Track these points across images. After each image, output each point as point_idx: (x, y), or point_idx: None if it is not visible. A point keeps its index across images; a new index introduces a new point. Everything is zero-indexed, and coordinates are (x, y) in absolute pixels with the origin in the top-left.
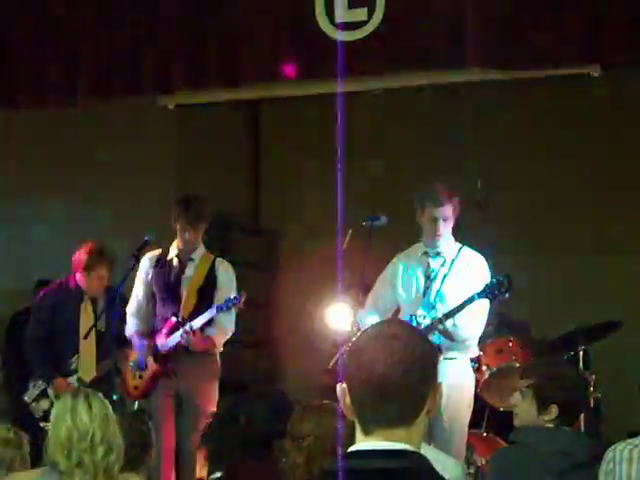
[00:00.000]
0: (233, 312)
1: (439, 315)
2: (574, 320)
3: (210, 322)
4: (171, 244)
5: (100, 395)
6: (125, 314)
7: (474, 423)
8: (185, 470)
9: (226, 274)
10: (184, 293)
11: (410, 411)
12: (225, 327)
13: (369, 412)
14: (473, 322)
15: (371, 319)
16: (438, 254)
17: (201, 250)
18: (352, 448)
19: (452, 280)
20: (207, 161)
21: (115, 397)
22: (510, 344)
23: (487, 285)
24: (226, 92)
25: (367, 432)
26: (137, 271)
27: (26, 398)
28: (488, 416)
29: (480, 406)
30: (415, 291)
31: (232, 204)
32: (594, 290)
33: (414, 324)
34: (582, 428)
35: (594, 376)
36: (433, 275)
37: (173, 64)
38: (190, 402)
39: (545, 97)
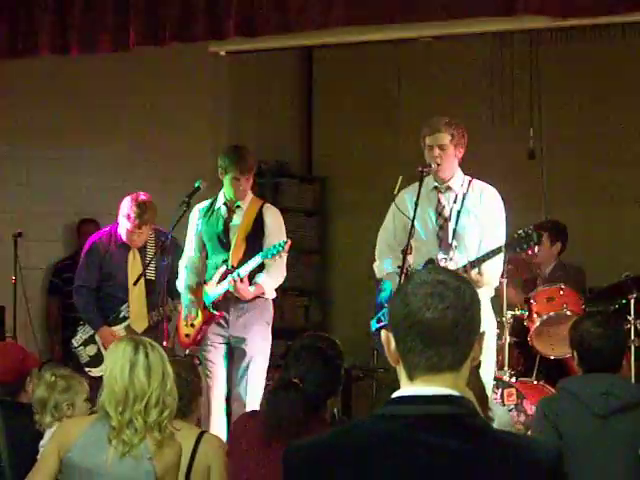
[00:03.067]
0: (284, 258)
1: (461, 261)
2: (627, 268)
3: (260, 269)
4: (220, 192)
5: (160, 350)
6: (176, 261)
7: (524, 371)
8: (236, 417)
9: (274, 220)
10: (233, 241)
11: (458, 357)
12: (275, 273)
13: (417, 358)
14: (496, 268)
15: (389, 266)
16: (449, 188)
17: (249, 197)
18: (397, 394)
19: (466, 217)
20: (258, 109)
21: (165, 344)
22: (561, 292)
23: (515, 238)
24: (277, 39)
25: (413, 377)
26: (187, 218)
27: (74, 342)
28: (539, 364)
29: (531, 354)
30: (430, 229)
31: (283, 152)
32: None
33: None
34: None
35: None
36: (446, 213)
37: (224, 10)
38: (241, 349)
39: (599, 46)
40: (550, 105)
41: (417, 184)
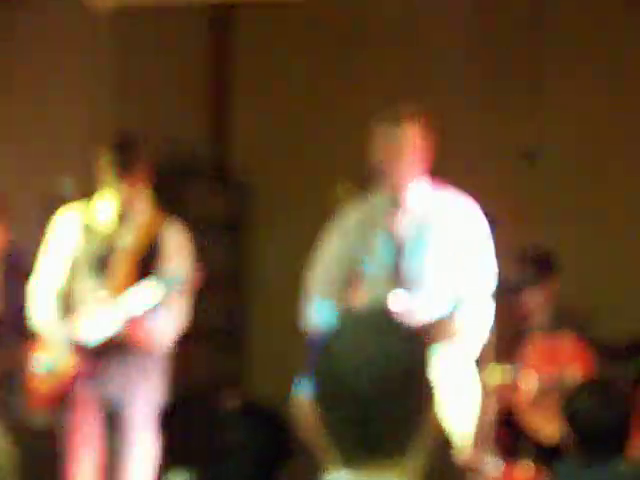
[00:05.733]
0: (187, 293)
1: (426, 307)
2: None
3: (155, 306)
4: (100, 196)
5: None
6: (29, 289)
7: (508, 450)
8: None
9: (177, 240)
10: (118, 265)
11: (400, 439)
12: (173, 313)
13: (345, 439)
14: (478, 317)
15: (327, 311)
16: (411, 202)
17: (142, 207)
18: None
19: (434, 242)
20: (154, 87)
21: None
22: (566, 345)
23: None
24: None
25: (344, 463)
26: (49, 231)
27: None
28: (527, 441)
29: (516, 430)
30: (383, 259)
31: (188, 145)
32: None
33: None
34: None
35: None
36: (406, 236)
37: None
38: (124, 415)
39: None
40: (557, 87)
41: (368, 196)
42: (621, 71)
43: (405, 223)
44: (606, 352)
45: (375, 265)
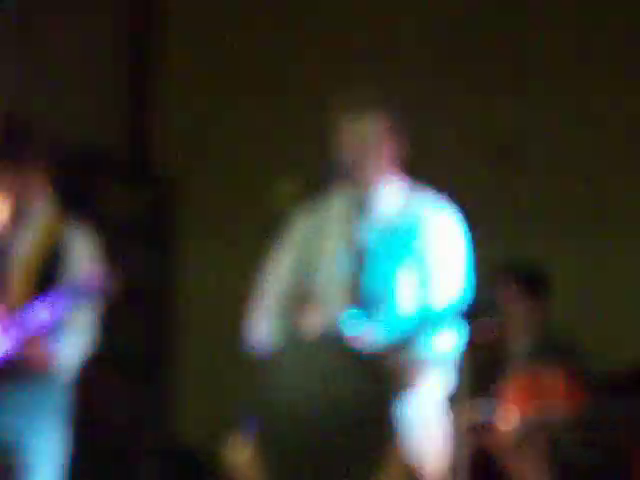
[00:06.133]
0: (95, 309)
1: (386, 332)
2: None
3: (57, 323)
4: None
5: None
6: None
7: None
8: None
9: (83, 246)
10: (13, 275)
11: (357, 477)
12: (77, 333)
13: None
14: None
15: (271, 336)
16: (375, 204)
17: (41, 208)
18: None
19: (400, 253)
20: (53, 58)
21: None
22: (552, 378)
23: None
24: None
25: None
26: None
27: None
28: None
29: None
30: (339, 274)
31: (98, 132)
32: None
33: (348, 340)
34: None
35: None
36: (367, 246)
37: None
38: (19, 452)
39: None
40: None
41: (322, 196)
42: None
43: (370, 229)
44: (601, 387)
45: (331, 280)
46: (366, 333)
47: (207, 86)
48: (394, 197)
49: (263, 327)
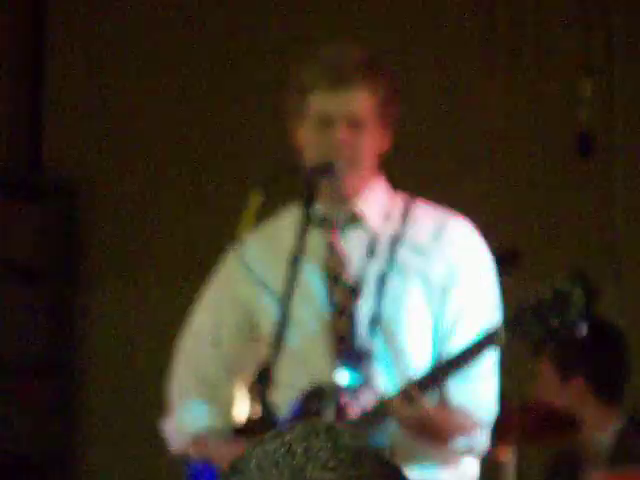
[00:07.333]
0: None
1: (393, 384)
2: None
3: None
4: None
5: None
6: None
7: None
8: None
9: None
10: None
11: None
12: None
13: None
14: (486, 391)
15: (203, 420)
16: (359, 219)
17: None
18: None
19: (402, 285)
20: None
21: None
22: None
23: (521, 308)
24: None
25: None
26: None
27: None
28: None
29: None
30: (314, 319)
31: None
32: None
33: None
34: None
35: None
36: (352, 276)
37: None
38: None
39: None
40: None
41: (284, 216)
42: None
43: (352, 249)
44: None
45: (302, 328)
46: (365, 406)
47: (116, 75)
48: (389, 209)
49: (189, 410)
